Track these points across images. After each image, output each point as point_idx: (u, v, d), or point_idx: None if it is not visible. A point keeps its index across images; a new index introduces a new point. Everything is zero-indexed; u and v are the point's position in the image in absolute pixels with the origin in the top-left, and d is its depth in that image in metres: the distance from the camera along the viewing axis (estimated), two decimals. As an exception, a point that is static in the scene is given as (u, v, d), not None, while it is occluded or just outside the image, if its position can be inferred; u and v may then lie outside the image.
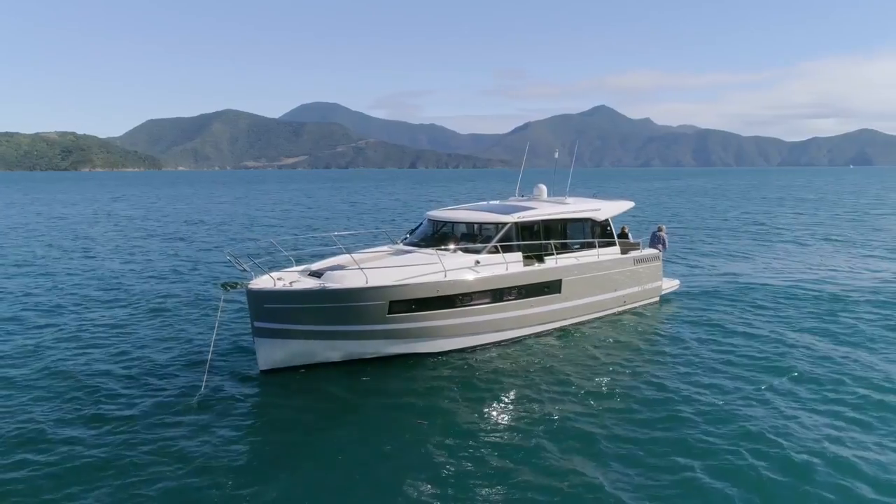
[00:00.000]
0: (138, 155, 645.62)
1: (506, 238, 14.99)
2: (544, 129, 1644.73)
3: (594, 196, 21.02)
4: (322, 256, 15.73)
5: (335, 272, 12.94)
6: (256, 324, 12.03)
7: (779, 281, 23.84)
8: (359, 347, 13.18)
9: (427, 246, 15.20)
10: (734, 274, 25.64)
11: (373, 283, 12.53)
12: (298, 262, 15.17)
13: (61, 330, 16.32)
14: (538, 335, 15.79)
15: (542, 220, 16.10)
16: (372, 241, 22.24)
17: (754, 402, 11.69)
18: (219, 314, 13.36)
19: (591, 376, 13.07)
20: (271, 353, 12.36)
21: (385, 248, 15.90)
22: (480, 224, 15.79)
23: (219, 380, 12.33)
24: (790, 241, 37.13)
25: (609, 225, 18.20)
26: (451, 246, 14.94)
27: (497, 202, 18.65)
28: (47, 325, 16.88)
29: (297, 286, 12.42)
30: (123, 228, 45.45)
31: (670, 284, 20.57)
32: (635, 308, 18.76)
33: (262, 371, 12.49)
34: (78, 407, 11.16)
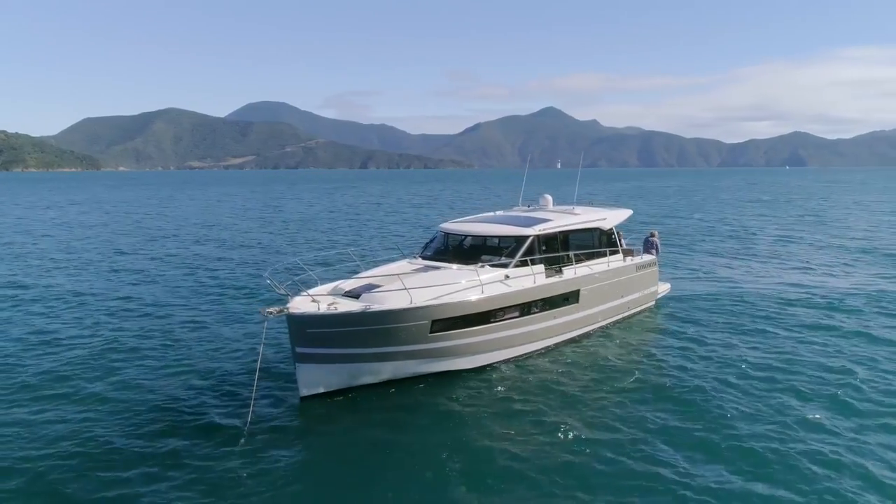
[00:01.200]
0: (75, 155, 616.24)
1: (529, 251, 14.98)
2: (494, 130, 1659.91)
3: (590, 204, 21.31)
4: (338, 272, 15.26)
5: (374, 293, 12.57)
6: (298, 349, 11.57)
7: (764, 281, 24.87)
8: (401, 368, 12.86)
9: (450, 261, 15.04)
10: (716, 275, 26.67)
11: (417, 302, 12.25)
12: (322, 280, 14.63)
13: (93, 349, 15.79)
14: (560, 345, 15.95)
15: (560, 232, 16.17)
16: (380, 254, 22.35)
17: (795, 407, 12.07)
18: (262, 339, 12.57)
19: (627, 382, 13.42)
20: (313, 379, 11.91)
21: (403, 262, 15.58)
22: (501, 237, 15.58)
23: (265, 405, 11.96)
24: (763, 242, 38.56)
25: (614, 233, 18.49)
26: (479, 260, 14.79)
27: (502, 213, 18.69)
28: (83, 343, 16.39)
29: (341, 309, 11.93)
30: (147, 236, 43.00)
31: (663, 288, 21.04)
32: (638, 313, 19.15)
33: (303, 398, 12.00)
34: (127, 431, 10.94)
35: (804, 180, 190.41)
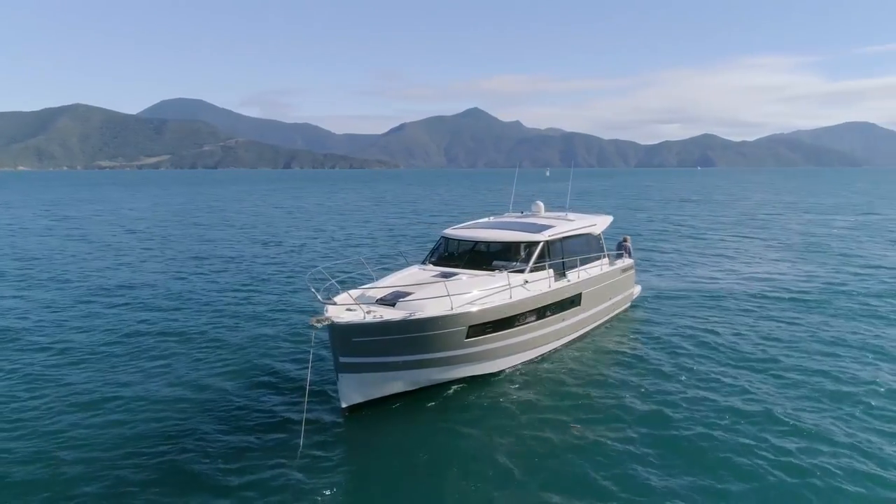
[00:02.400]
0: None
1: (541, 256, 15.41)
2: (420, 130, 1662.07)
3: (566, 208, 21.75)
4: (352, 279, 14.77)
5: (410, 300, 12.47)
6: (342, 359, 11.27)
7: (725, 277, 26.45)
8: (438, 374, 12.93)
9: (464, 267, 15.12)
10: (679, 274, 27.90)
11: (457, 309, 12.36)
12: (342, 286, 14.39)
13: (136, 357, 15.72)
14: (566, 346, 16.47)
15: (565, 237, 16.69)
16: (384, 262, 22.79)
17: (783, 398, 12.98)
18: (312, 350, 12.16)
19: (640, 379, 14.21)
20: (356, 389, 11.73)
21: (415, 269, 15.52)
22: (514, 243, 15.72)
23: (318, 414, 11.85)
24: (712, 239, 40.50)
25: (601, 238, 19.20)
26: (492, 266, 15.02)
27: (494, 218, 19.00)
28: (127, 349, 16.33)
29: (387, 317, 11.73)
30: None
31: (636, 290, 21.84)
32: (620, 314, 19.87)
33: (344, 408, 11.72)
34: (182, 443, 10.85)
35: (720, 180, 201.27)
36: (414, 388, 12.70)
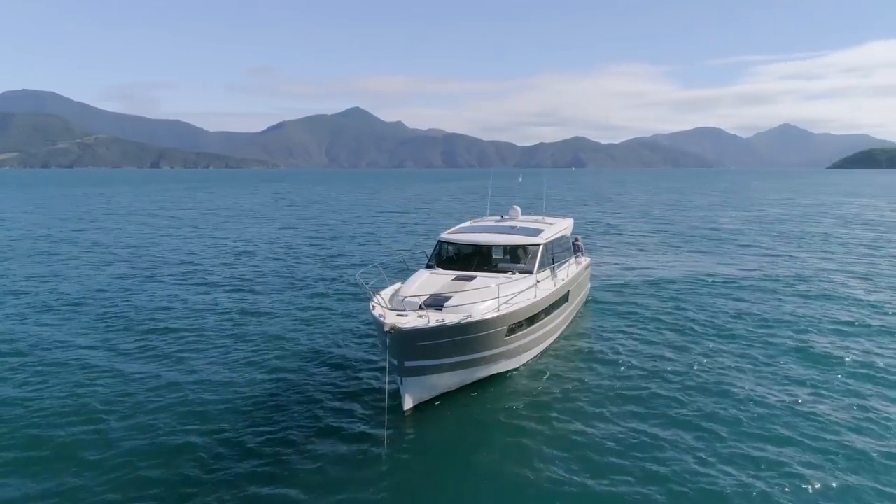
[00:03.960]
0: None
1: (542, 258, 16.24)
2: (300, 129, 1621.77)
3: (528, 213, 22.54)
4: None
5: (456, 303, 12.94)
6: (407, 363, 11.53)
7: (658, 269, 27.72)
8: (481, 372, 13.42)
9: (472, 269, 15.70)
10: (621, 267, 28.71)
11: (502, 310, 12.88)
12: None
13: (215, 344, 16.00)
14: (560, 339, 17.10)
15: (555, 239, 17.76)
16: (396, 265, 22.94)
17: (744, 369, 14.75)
18: (388, 355, 11.88)
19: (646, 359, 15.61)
20: (418, 390, 12.06)
21: (425, 273, 15.75)
22: (516, 247, 16.73)
23: (397, 419, 11.75)
24: (632, 235, 41.63)
25: (570, 239, 20.53)
26: (497, 268, 16.03)
27: (474, 223, 19.73)
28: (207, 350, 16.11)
29: (447, 321, 11.98)
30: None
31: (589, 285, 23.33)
32: (582, 309, 20.80)
33: (407, 410, 11.89)
34: (271, 444, 10.89)
35: (598, 180, 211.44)
36: (460, 386, 13.07)
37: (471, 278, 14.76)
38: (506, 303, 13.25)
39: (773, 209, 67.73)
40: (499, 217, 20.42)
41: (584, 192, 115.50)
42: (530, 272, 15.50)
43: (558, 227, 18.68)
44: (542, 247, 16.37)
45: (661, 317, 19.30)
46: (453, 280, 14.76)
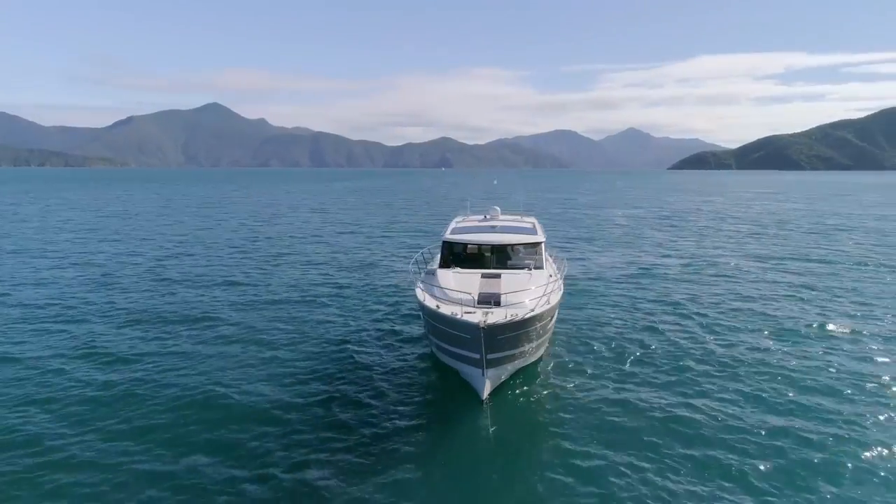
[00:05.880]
0: None
1: (543, 254, 17.23)
2: (152, 125, 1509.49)
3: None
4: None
5: (512, 300, 13.44)
6: (489, 356, 12.07)
7: (598, 263, 28.46)
8: (527, 361, 14.05)
9: (491, 266, 16.47)
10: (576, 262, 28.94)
11: (552, 302, 13.78)
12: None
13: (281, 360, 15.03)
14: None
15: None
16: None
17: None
18: (465, 350, 12.30)
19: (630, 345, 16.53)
20: (493, 381, 12.71)
21: (449, 272, 15.93)
22: (523, 245, 17.31)
23: (479, 408, 12.15)
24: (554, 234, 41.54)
25: None
26: (509, 266, 16.56)
27: (461, 222, 19.91)
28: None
29: (520, 316, 12.48)
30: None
31: None
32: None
33: (486, 400, 12.40)
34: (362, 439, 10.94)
35: (473, 181, 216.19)
36: (509, 376, 13.56)
37: (497, 275, 15.35)
38: (544, 296, 13.94)
39: (651, 206, 73.18)
40: (482, 217, 20.78)
41: (463, 191, 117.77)
42: (541, 268, 16.33)
43: (539, 226, 19.44)
44: (543, 244, 17.36)
45: (617, 299, 21.26)
46: (483, 278, 15.22)
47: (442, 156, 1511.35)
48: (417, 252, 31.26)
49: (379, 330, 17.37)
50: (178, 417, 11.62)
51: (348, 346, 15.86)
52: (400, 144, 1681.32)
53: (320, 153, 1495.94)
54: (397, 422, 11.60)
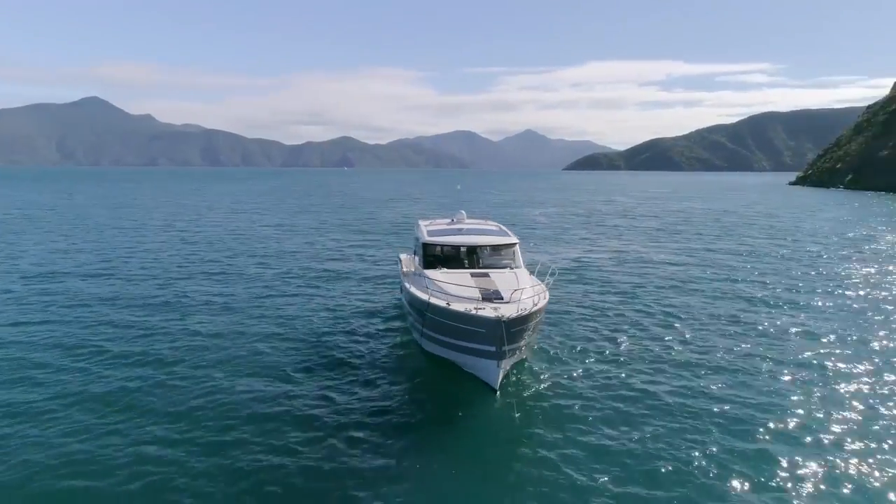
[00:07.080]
0: None
1: (518, 255, 17.84)
2: (22, 119, 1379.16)
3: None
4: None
5: (516, 296, 13.97)
6: (505, 347, 12.57)
7: (571, 260, 29.60)
8: (524, 353, 14.70)
9: (475, 267, 17.04)
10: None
11: (547, 298, 14.82)
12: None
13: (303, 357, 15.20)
14: None
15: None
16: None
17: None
18: (479, 343, 12.90)
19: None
20: (504, 371, 13.26)
21: (437, 273, 16.20)
22: (500, 246, 17.95)
23: (492, 398, 12.79)
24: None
25: None
26: (490, 265, 17.26)
27: (426, 226, 20.10)
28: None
29: (530, 308, 13.21)
30: None
31: None
32: None
33: (498, 390, 12.99)
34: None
35: (384, 181, 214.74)
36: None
37: (486, 274, 15.91)
38: (536, 294, 14.43)
39: (565, 205, 76.81)
40: (449, 220, 20.98)
41: (379, 192, 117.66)
42: (520, 267, 17.14)
43: (505, 228, 20.00)
44: (517, 244, 17.94)
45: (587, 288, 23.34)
46: (473, 277, 15.77)
47: (343, 155, 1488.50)
48: (381, 251, 32.03)
49: (357, 325, 17.97)
50: (168, 417, 11.47)
51: (328, 340, 16.35)
52: (300, 143, 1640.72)
53: (214, 151, 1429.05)
54: (393, 416, 11.82)
